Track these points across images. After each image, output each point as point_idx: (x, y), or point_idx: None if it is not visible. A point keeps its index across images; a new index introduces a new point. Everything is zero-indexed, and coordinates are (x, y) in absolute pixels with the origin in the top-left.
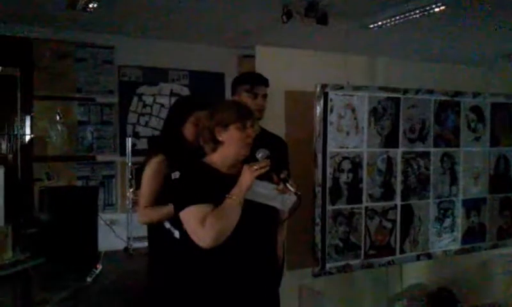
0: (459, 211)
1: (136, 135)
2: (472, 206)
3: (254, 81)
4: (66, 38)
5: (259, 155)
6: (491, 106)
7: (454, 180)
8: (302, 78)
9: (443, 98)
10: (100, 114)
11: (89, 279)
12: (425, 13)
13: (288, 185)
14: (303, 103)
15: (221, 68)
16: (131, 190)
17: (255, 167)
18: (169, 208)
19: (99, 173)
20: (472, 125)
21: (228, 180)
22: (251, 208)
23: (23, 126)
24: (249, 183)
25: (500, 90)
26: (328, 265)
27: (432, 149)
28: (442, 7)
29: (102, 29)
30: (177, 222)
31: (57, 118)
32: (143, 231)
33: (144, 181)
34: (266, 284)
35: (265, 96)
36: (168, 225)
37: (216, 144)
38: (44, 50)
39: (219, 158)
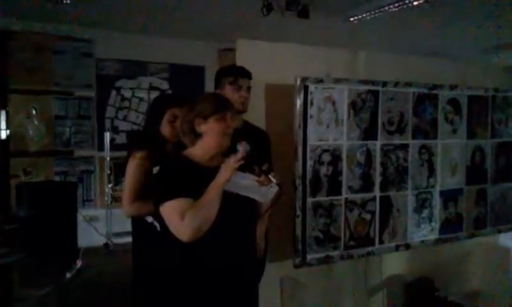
0: (437, 202)
1: (114, 129)
2: (449, 197)
3: (238, 74)
4: (44, 31)
5: (239, 148)
6: (468, 99)
7: (431, 172)
8: (282, 72)
9: (422, 90)
10: (77, 109)
11: (68, 275)
12: (405, 6)
13: (270, 176)
14: (283, 97)
15: (201, 62)
16: (110, 185)
17: (233, 159)
18: None
19: (77, 168)
20: (449, 117)
21: (207, 172)
22: (232, 200)
23: None
24: (228, 177)
25: (476, 83)
26: (308, 257)
27: (410, 142)
28: (421, 1)
29: (81, 22)
30: (158, 216)
31: (34, 112)
32: (123, 227)
33: (128, 175)
34: (246, 276)
35: (249, 88)
36: (150, 219)
37: (196, 136)
38: (21, 42)
39: (200, 150)
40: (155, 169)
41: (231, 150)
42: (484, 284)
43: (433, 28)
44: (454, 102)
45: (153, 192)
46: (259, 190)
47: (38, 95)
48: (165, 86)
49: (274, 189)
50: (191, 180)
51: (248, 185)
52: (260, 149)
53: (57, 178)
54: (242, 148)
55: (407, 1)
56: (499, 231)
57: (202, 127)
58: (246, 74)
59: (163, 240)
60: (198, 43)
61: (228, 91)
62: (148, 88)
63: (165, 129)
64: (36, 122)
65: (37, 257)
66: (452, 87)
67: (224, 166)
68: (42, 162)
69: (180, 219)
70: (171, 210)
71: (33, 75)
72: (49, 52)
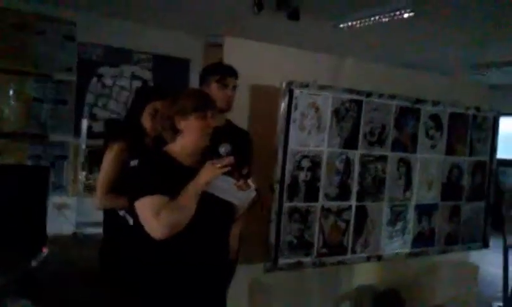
0: (411, 215)
1: (92, 117)
2: (424, 211)
3: (225, 72)
4: (26, 10)
5: (222, 150)
6: (449, 115)
7: (408, 185)
8: (268, 73)
9: (405, 104)
10: (55, 92)
11: (34, 263)
12: (395, 17)
13: (249, 181)
14: (267, 99)
15: (186, 55)
16: (84, 173)
17: (218, 165)
18: None
19: (51, 153)
20: (430, 132)
21: (186, 171)
22: (208, 200)
23: None
24: (208, 180)
25: (460, 100)
26: (280, 261)
27: (389, 154)
28: (411, 14)
29: (65, 3)
30: (132, 210)
31: (11, 92)
32: (94, 217)
33: (104, 165)
34: (216, 277)
35: (234, 87)
36: (122, 212)
37: (175, 132)
38: (2, 19)
39: (179, 147)
40: (132, 162)
41: (213, 151)
42: (450, 300)
43: (421, 41)
44: (435, 118)
45: (128, 186)
46: (237, 193)
47: (17, 75)
48: (148, 76)
49: (251, 194)
50: (168, 177)
51: (226, 188)
52: (241, 150)
53: (29, 162)
54: (226, 151)
55: (397, 12)
56: (469, 248)
57: (182, 124)
58: (233, 73)
59: (134, 234)
60: (184, 35)
61: (214, 89)
62: (130, 77)
63: (146, 122)
64: (12, 102)
65: (2, 242)
66: (435, 103)
67: (206, 169)
68: (15, 145)
69: (155, 216)
70: (146, 207)
71: (13, 54)
72: (31, 32)
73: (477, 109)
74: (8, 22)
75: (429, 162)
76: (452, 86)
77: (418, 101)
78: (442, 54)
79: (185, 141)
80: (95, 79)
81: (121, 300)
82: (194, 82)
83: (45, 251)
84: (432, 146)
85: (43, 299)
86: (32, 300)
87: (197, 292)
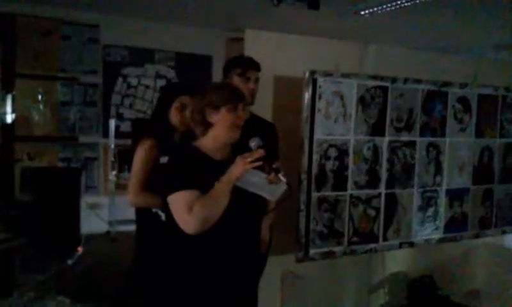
0: (443, 200)
1: (119, 117)
2: (455, 196)
3: (246, 65)
4: (50, 15)
5: (252, 144)
6: (477, 97)
7: (438, 170)
8: (291, 64)
9: (431, 87)
10: (83, 95)
11: (70, 262)
12: (417, 1)
13: (280, 175)
14: (291, 89)
15: (208, 51)
16: (114, 173)
17: (249, 159)
18: None
19: (81, 155)
20: (458, 115)
21: (217, 165)
22: (239, 195)
23: (4, 105)
24: (240, 174)
25: (487, 82)
26: (311, 251)
27: (418, 139)
28: None
29: (88, 6)
30: (164, 206)
31: (40, 97)
32: (126, 215)
33: (136, 164)
34: (248, 270)
35: (257, 80)
36: (154, 209)
37: (207, 126)
38: (28, 27)
39: (210, 141)
40: (162, 159)
41: (242, 145)
42: (486, 285)
43: (444, 23)
44: (463, 100)
45: (161, 182)
46: (268, 187)
47: (44, 80)
48: (172, 74)
49: (282, 187)
50: (199, 172)
51: (257, 182)
52: (269, 143)
53: (60, 164)
54: (256, 144)
55: None
56: (503, 232)
57: (213, 117)
58: (254, 65)
59: (167, 230)
60: (206, 31)
61: (236, 82)
62: (154, 76)
63: (174, 117)
64: (41, 107)
65: (39, 243)
66: (462, 85)
67: (238, 163)
68: (46, 148)
69: (188, 211)
70: (178, 202)
71: (40, 60)
72: (56, 37)
73: (507, 89)
74: (32, 29)
75: (459, 145)
76: (478, 67)
77: (445, 84)
78: (466, 36)
79: (216, 134)
80: (120, 80)
81: (153, 296)
82: (217, 78)
83: (80, 249)
84: (462, 129)
85: (79, 295)
86: (69, 296)
87: (228, 285)
